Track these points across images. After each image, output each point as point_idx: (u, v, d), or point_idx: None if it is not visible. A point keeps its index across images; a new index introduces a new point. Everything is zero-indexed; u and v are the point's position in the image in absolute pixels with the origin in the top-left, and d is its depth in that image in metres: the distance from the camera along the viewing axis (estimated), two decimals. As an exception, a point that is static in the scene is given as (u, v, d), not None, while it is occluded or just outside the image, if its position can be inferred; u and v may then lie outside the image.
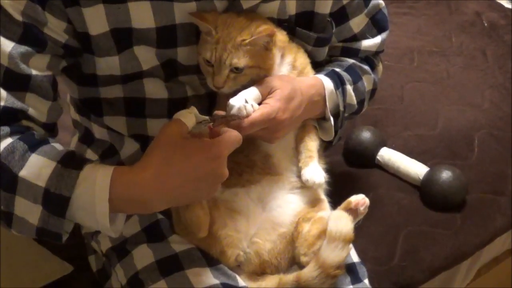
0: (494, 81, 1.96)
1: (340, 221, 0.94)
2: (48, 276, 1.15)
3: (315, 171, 1.01)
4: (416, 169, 1.49)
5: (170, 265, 0.99)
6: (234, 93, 0.94)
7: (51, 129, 0.93)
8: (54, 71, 0.92)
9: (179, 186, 0.82)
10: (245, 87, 0.95)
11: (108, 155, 1.10)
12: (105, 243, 1.08)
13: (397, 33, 2.21)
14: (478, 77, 1.99)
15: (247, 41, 0.92)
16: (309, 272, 0.95)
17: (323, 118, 1.09)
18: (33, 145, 0.84)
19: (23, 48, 0.85)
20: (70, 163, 0.83)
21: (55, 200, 0.81)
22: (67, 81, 1.04)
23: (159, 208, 0.86)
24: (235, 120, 0.89)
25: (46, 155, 0.83)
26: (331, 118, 1.07)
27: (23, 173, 0.82)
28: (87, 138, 1.13)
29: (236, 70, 0.93)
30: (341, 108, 1.09)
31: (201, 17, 0.92)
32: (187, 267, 0.98)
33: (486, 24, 2.30)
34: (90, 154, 1.13)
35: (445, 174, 1.42)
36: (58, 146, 0.87)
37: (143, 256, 1.01)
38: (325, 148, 1.14)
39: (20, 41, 0.85)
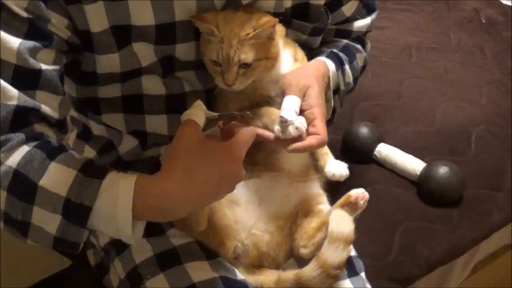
0: (492, 77, 1.97)
1: (342, 222, 0.95)
2: (47, 270, 1.15)
3: (337, 165, 1.03)
4: (414, 164, 1.49)
5: (169, 259, 0.99)
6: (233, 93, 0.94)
7: (62, 126, 0.92)
8: (60, 67, 0.91)
9: (202, 193, 0.81)
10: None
11: (106, 150, 1.10)
12: (103, 237, 1.08)
13: (396, 29, 2.21)
14: (476, 73, 1.99)
15: (251, 35, 0.92)
16: (309, 271, 0.95)
17: None
18: (51, 153, 0.82)
19: (31, 43, 0.84)
20: (91, 171, 0.82)
21: (76, 210, 0.80)
22: (66, 80, 1.04)
23: (182, 215, 0.85)
24: (290, 133, 0.91)
25: (66, 163, 0.82)
26: (332, 99, 1.09)
27: (43, 182, 0.80)
28: (85, 134, 1.12)
29: (245, 65, 0.93)
30: (342, 87, 1.11)
31: (201, 19, 0.92)
32: (186, 260, 0.99)
33: (484, 21, 2.30)
34: (88, 150, 1.12)
35: (443, 170, 1.43)
36: (76, 154, 0.85)
37: (142, 250, 1.02)
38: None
39: (26, 36, 0.84)
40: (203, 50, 0.96)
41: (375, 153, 1.53)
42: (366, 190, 1.44)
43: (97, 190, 0.80)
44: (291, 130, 0.92)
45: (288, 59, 1.02)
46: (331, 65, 1.08)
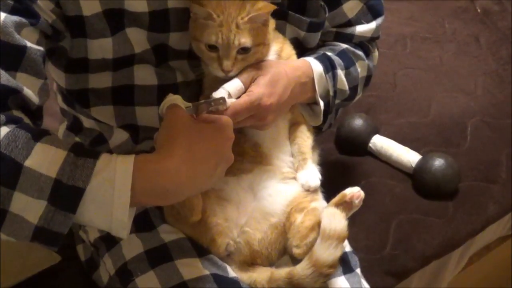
0: (487, 68, 1.96)
1: (334, 219, 0.93)
2: (36, 266, 1.13)
3: (309, 174, 1.01)
4: (409, 157, 1.48)
5: (159, 255, 0.98)
6: (222, 82, 0.93)
7: (39, 115, 0.87)
8: (43, 49, 0.87)
9: (204, 172, 0.79)
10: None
11: (97, 143, 1.08)
12: (93, 233, 1.06)
13: (390, 19, 2.18)
14: (471, 63, 1.98)
15: (246, 18, 0.90)
16: (302, 270, 0.93)
17: (314, 103, 1.08)
18: (36, 134, 0.75)
19: (17, 17, 0.80)
20: (83, 152, 0.75)
21: (66, 193, 0.72)
22: (54, 70, 1.02)
23: (182, 197, 0.82)
24: (217, 109, 0.87)
25: (54, 144, 0.74)
26: (321, 102, 1.06)
27: (29, 162, 0.72)
28: (75, 127, 1.11)
29: (243, 50, 0.92)
30: (331, 93, 1.07)
31: (198, 2, 0.90)
32: (177, 257, 0.97)
33: (479, 10, 2.28)
34: (78, 142, 1.11)
35: (438, 162, 1.42)
36: (62, 138, 0.81)
37: (132, 246, 1.00)
38: (316, 134, 1.13)
39: (12, 11, 0.80)
40: (198, 36, 0.93)
41: (370, 145, 1.52)
42: (361, 182, 1.45)
43: (92, 170, 0.73)
44: (220, 107, 0.88)
45: (272, 55, 1.00)
46: (316, 66, 1.05)
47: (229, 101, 0.89)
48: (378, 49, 1.25)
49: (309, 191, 1.02)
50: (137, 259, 0.98)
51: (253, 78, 0.95)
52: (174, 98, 0.83)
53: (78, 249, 1.16)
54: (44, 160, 0.73)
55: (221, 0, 0.91)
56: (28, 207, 0.72)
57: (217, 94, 0.90)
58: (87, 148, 0.77)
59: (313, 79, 1.04)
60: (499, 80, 1.89)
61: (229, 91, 0.91)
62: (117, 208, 0.74)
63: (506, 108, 1.75)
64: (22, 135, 0.74)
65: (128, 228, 0.77)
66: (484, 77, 1.90)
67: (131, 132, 1.06)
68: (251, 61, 0.95)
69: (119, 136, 1.06)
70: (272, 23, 0.98)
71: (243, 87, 0.93)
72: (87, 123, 1.08)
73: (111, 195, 0.74)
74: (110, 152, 1.04)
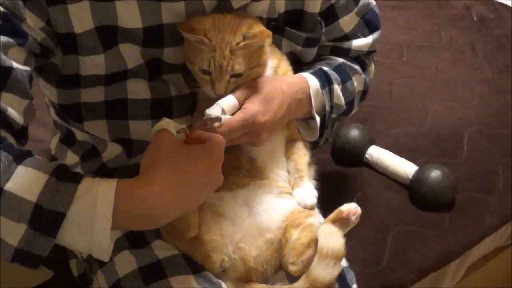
0: (483, 76, 1.95)
1: (331, 238, 0.92)
2: (28, 282, 1.12)
3: (305, 192, 1.00)
4: (405, 168, 1.47)
5: (153, 272, 0.96)
6: (215, 100, 0.92)
7: (24, 135, 0.86)
8: (30, 69, 0.86)
9: (188, 195, 0.79)
10: None
11: (90, 156, 1.07)
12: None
13: (386, 27, 2.17)
14: (467, 72, 1.97)
15: (242, 44, 0.89)
16: None
17: (310, 118, 1.06)
18: (18, 156, 0.75)
19: (4, 38, 0.80)
20: (65, 176, 0.75)
21: (46, 217, 0.72)
22: (45, 85, 1.00)
23: (166, 221, 0.81)
24: (212, 127, 0.86)
25: (36, 167, 0.74)
26: (317, 118, 1.05)
27: (10, 185, 0.72)
28: (68, 139, 1.09)
29: (237, 75, 0.91)
30: (327, 108, 1.07)
31: (189, 29, 0.89)
32: (171, 274, 0.95)
33: (475, 18, 2.28)
34: (71, 155, 1.10)
35: (434, 174, 1.41)
36: (45, 160, 0.79)
37: (125, 262, 0.98)
38: (312, 148, 1.12)
39: None
40: (192, 58, 0.92)
41: (366, 155, 1.51)
42: (357, 193, 1.44)
43: (73, 195, 0.73)
44: (215, 125, 0.87)
45: (269, 71, 0.99)
46: (313, 81, 1.04)
47: (224, 118, 0.88)
48: (374, 63, 1.24)
49: (306, 208, 1.01)
50: (131, 276, 0.97)
51: (248, 95, 0.94)
52: (165, 123, 0.82)
53: (71, 264, 1.15)
54: (25, 183, 0.73)
55: (215, 21, 0.91)
56: (9, 230, 0.73)
57: (211, 110, 0.89)
58: (70, 172, 0.77)
59: (309, 94, 1.03)
60: (495, 89, 1.89)
61: (223, 107, 0.90)
62: (98, 234, 0.74)
63: (503, 118, 1.75)
64: (4, 158, 0.74)
65: (109, 252, 0.77)
66: (481, 86, 1.90)
67: (124, 146, 1.05)
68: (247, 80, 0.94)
69: (113, 150, 1.05)
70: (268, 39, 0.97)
71: (237, 103, 0.93)
72: (80, 136, 1.07)
73: (92, 220, 0.73)
74: (104, 165, 1.06)
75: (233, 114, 0.91)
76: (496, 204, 1.47)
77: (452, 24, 2.24)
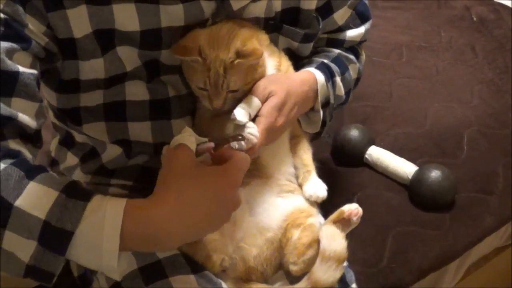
0: (483, 77, 1.95)
1: (334, 240, 0.92)
2: (28, 283, 1.12)
3: (316, 186, 1.01)
4: (405, 168, 1.47)
5: (153, 273, 0.96)
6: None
7: (38, 138, 0.86)
8: (37, 72, 0.87)
9: (196, 221, 0.76)
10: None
11: (90, 158, 1.07)
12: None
13: (386, 27, 2.19)
14: (467, 73, 1.97)
15: (235, 62, 0.89)
16: None
17: (311, 110, 1.08)
18: (30, 172, 0.75)
19: (7, 44, 0.80)
20: (75, 193, 0.75)
21: (55, 235, 0.72)
22: (45, 89, 1.01)
23: (175, 245, 0.80)
24: (242, 145, 0.87)
25: (46, 183, 0.75)
26: (321, 110, 1.06)
27: (19, 202, 0.72)
28: (67, 141, 1.10)
29: (234, 91, 0.92)
30: (332, 101, 1.08)
31: (183, 52, 0.89)
32: (171, 274, 0.95)
33: (475, 19, 2.28)
34: (70, 157, 1.10)
35: (434, 174, 1.41)
36: (56, 176, 0.79)
37: (126, 263, 0.98)
38: (312, 139, 1.13)
39: (1, 38, 0.80)
40: (189, 76, 0.94)
41: (366, 156, 1.51)
42: (357, 194, 1.44)
43: (81, 213, 0.73)
44: (243, 144, 0.89)
45: (271, 70, 1.00)
46: (320, 77, 1.05)
47: (249, 127, 0.89)
48: (364, 52, 1.27)
49: (317, 202, 1.01)
50: (131, 276, 0.97)
51: (269, 96, 0.95)
52: (185, 135, 0.80)
53: (71, 264, 1.15)
54: (35, 200, 0.73)
55: (209, 37, 0.91)
56: (20, 246, 0.73)
57: (239, 115, 0.90)
58: (81, 189, 0.76)
59: (316, 90, 1.04)
60: (495, 89, 1.89)
61: (250, 112, 0.92)
62: (106, 253, 0.73)
63: (503, 118, 1.75)
64: (15, 174, 0.74)
65: (118, 271, 0.76)
66: (481, 86, 1.90)
67: (124, 147, 1.05)
68: (243, 94, 0.95)
69: (112, 151, 1.05)
70: (265, 39, 0.98)
71: (260, 104, 0.94)
72: (79, 138, 1.07)
73: (100, 240, 0.73)
74: (103, 167, 1.06)
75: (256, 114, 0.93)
76: (496, 204, 1.47)
77: (452, 24, 2.24)
